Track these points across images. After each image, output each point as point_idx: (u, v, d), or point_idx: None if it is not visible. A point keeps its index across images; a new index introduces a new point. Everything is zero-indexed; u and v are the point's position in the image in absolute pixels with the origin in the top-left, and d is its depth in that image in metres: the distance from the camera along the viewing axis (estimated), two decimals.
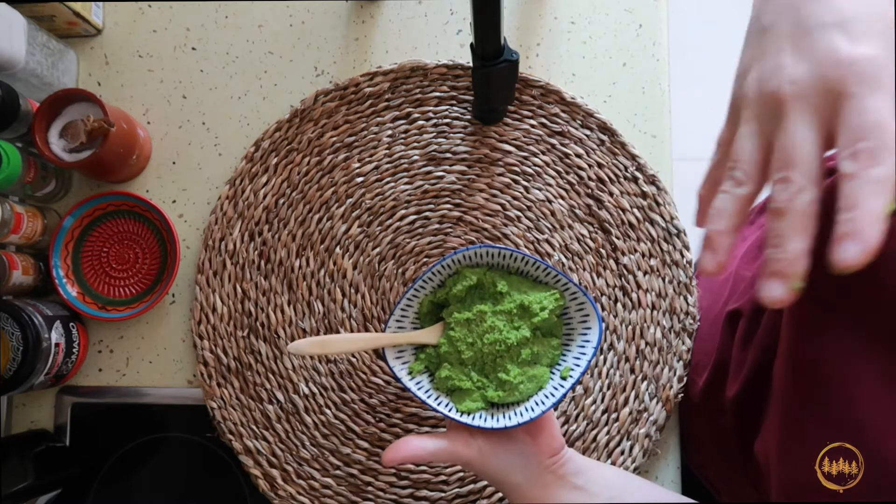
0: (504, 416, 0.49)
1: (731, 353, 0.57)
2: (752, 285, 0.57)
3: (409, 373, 0.52)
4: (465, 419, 0.49)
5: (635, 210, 0.65)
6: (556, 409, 0.52)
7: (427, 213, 0.66)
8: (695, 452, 0.67)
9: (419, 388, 0.51)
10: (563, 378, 0.50)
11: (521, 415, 0.49)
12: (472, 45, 0.55)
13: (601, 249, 0.65)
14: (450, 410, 0.50)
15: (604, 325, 0.50)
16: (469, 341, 0.51)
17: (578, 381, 0.52)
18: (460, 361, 0.51)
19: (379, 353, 0.64)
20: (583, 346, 0.51)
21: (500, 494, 0.62)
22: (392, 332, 0.52)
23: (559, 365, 0.52)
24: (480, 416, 0.50)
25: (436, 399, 0.51)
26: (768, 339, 0.52)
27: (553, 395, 0.50)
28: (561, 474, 0.50)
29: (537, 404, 0.50)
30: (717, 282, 0.65)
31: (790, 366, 0.44)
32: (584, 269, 0.65)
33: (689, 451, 0.68)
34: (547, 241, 0.65)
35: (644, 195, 0.65)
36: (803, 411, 0.42)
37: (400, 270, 0.65)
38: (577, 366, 0.50)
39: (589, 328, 0.50)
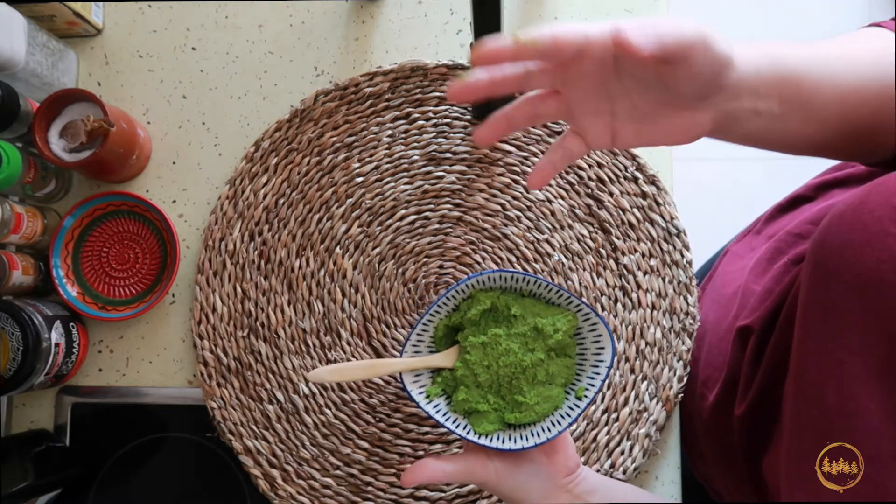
0: (521, 437, 0.51)
1: (740, 370, 0.57)
2: (762, 300, 0.56)
3: (427, 396, 0.53)
4: (483, 441, 0.50)
5: (635, 210, 0.65)
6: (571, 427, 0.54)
7: (427, 213, 0.66)
8: (700, 462, 0.67)
9: (437, 412, 0.52)
10: (578, 398, 0.52)
11: (538, 435, 0.50)
12: (472, 45, 0.55)
13: (601, 249, 0.65)
14: (468, 433, 0.51)
15: (616, 342, 0.52)
16: (485, 364, 0.51)
17: (593, 401, 0.53)
18: (477, 384, 0.52)
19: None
20: (596, 366, 0.52)
21: None
22: (408, 357, 0.53)
23: (574, 385, 0.53)
24: (498, 438, 0.51)
25: (454, 422, 0.52)
26: (776, 359, 0.51)
27: (569, 415, 0.51)
28: (576, 493, 0.50)
29: (553, 425, 0.51)
30: (725, 295, 0.64)
31: (799, 392, 0.43)
32: (584, 269, 0.65)
33: (695, 459, 0.68)
34: (547, 241, 0.65)
35: (644, 195, 0.65)
36: (808, 435, 0.41)
37: (400, 270, 0.65)
38: (592, 385, 0.51)
39: (602, 347, 0.52)
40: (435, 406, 0.53)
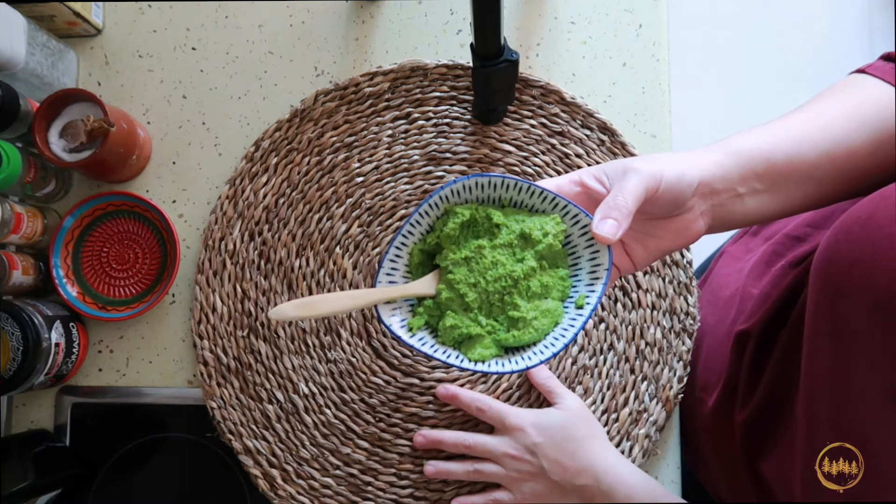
0: (522, 359, 0.45)
1: (739, 376, 0.57)
2: (760, 304, 0.56)
3: (409, 329, 0.47)
4: (479, 367, 0.45)
5: None
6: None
7: None
8: (702, 465, 0.67)
9: (422, 345, 0.46)
10: (580, 307, 0.46)
11: (542, 353, 0.45)
12: (472, 45, 0.55)
13: None
14: (461, 362, 0.45)
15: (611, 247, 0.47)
16: (471, 282, 0.46)
17: (596, 309, 0.48)
18: (465, 306, 0.46)
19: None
20: (594, 271, 0.46)
21: None
22: (383, 287, 0.47)
23: (571, 297, 0.47)
24: (496, 363, 0.45)
25: (444, 353, 0.46)
26: (782, 371, 0.51)
27: (572, 325, 0.45)
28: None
29: (557, 339, 0.45)
30: (722, 298, 0.64)
31: (811, 413, 0.43)
32: None
33: (696, 464, 0.68)
34: None
35: None
36: (821, 445, 0.41)
37: None
38: (593, 292, 0.45)
39: (597, 251, 0.46)
40: (420, 339, 0.46)
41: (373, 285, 0.47)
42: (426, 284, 0.48)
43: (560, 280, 0.47)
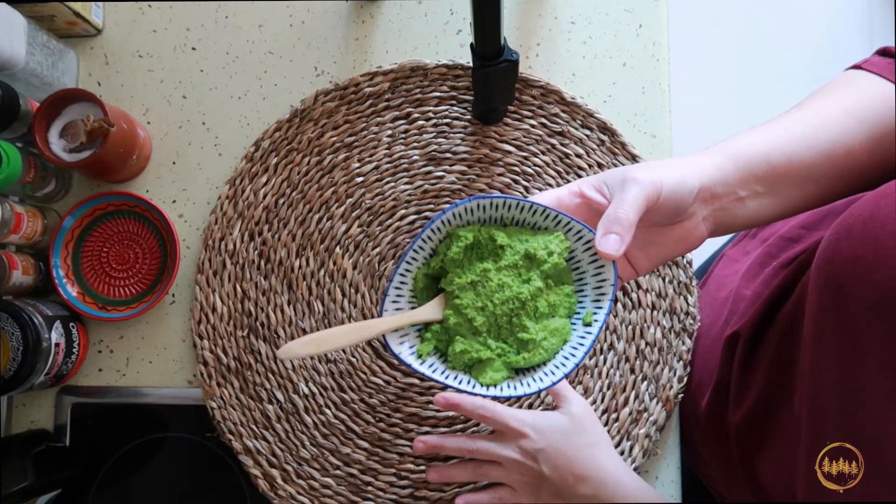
0: (534, 380, 0.45)
1: (730, 376, 0.56)
2: (750, 304, 0.56)
3: (418, 356, 0.47)
4: (491, 392, 0.45)
5: None
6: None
7: (427, 213, 0.66)
8: (701, 464, 0.67)
9: (433, 371, 0.46)
10: (587, 324, 0.46)
11: (553, 373, 0.45)
12: (472, 45, 0.55)
13: None
14: (473, 387, 0.45)
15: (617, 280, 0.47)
16: (478, 306, 0.46)
17: (604, 325, 0.48)
18: (473, 330, 0.46)
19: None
20: (600, 286, 0.46)
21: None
22: (390, 315, 0.47)
23: (578, 313, 0.47)
24: (508, 386, 0.45)
25: (455, 378, 0.46)
26: (775, 372, 0.51)
27: (581, 344, 0.45)
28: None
29: (567, 358, 0.45)
30: (718, 299, 0.64)
31: (816, 414, 0.42)
32: None
33: (694, 458, 0.68)
34: None
35: None
36: (824, 445, 0.41)
37: None
38: (600, 308, 0.46)
39: (602, 266, 0.46)
40: (430, 366, 0.46)
41: (379, 313, 0.47)
42: (432, 309, 0.48)
43: (566, 297, 0.47)
